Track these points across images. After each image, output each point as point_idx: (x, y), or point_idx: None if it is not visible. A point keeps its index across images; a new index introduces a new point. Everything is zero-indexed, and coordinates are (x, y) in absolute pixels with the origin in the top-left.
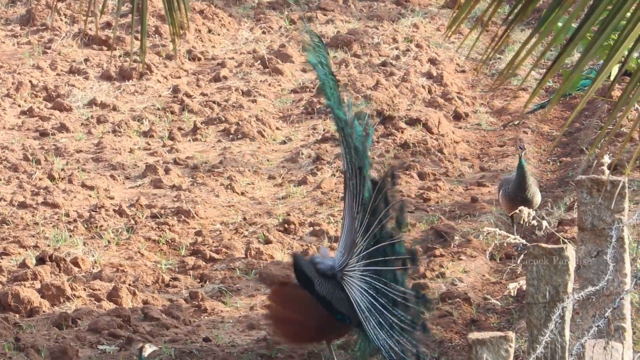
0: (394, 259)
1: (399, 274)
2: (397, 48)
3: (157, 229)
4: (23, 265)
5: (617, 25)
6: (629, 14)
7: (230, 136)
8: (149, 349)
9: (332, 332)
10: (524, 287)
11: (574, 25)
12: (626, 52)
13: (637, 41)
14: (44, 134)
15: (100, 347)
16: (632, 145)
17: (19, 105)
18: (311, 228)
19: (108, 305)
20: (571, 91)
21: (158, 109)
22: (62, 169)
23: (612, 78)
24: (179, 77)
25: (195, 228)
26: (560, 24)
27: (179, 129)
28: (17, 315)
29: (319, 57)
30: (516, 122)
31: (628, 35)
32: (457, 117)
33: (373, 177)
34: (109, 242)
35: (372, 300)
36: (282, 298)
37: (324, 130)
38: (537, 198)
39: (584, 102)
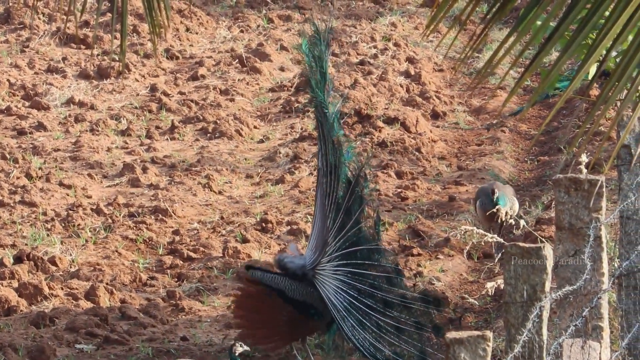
0: (380, 264)
1: (394, 277)
2: (375, 47)
3: (134, 228)
4: (0, 264)
5: (596, 24)
6: (607, 13)
7: (208, 135)
8: (240, 349)
9: (303, 329)
10: (502, 286)
11: (552, 24)
12: (604, 51)
13: (615, 40)
14: (21, 132)
15: (77, 346)
16: (610, 144)
17: None
18: (289, 227)
19: (85, 305)
20: (549, 91)
21: (136, 108)
22: (40, 168)
23: (590, 77)
24: (157, 76)
25: (172, 227)
26: (538, 23)
27: (157, 127)
28: None
29: (314, 51)
30: (494, 122)
31: (606, 34)
32: (435, 116)
33: (348, 176)
34: (86, 241)
35: (352, 300)
36: (247, 303)
37: (301, 129)
38: (515, 207)
39: (562, 101)
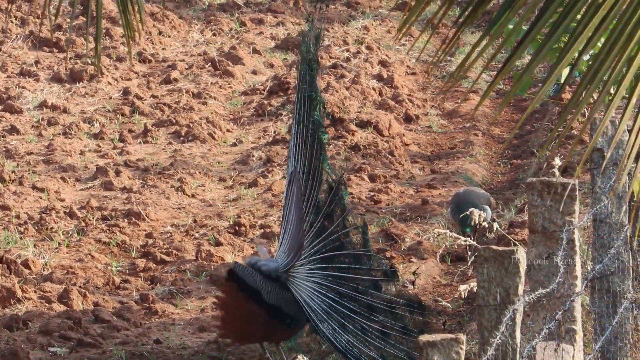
0: (368, 268)
1: (379, 282)
2: (347, 50)
3: (107, 231)
4: None
5: (567, 28)
6: (579, 16)
7: (181, 138)
8: None
9: (278, 334)
10: (475, 289)
11: (525, 27)
12: (576, 55)
13: (587, 44)
14: None
15: (51, 349)
16: (582, 147)
17: None
18: (262, 230)
19: (59, 308)
20: (521, 94)
21: (109, 111)
22: (13, 171)
23: (562, 81)
24: (130, 80)
25: (145, 230)
26: (510, 26)
27: (130, 131)
28: None
29: (308, 46)
30: (467, 125)
31: (578, 37)
32: (408, 119)
33: (329, 181)
34: (59, 244)
35: (332, 303)
36: (227, 301)
37: (274, 132)
38: (489, 214)
39: (534, 104)
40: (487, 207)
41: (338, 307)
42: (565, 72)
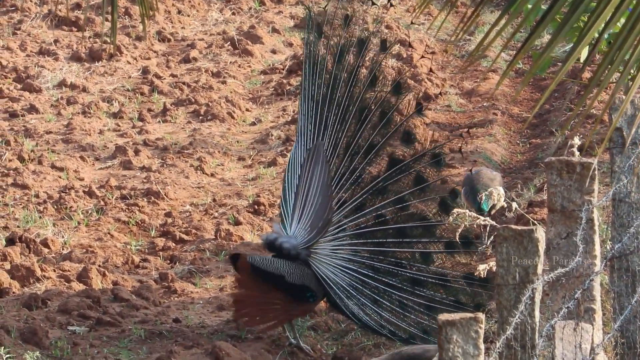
0: (420, 241)
1: (436, 255)
2: (367, 29)
3: (126, 210)
4: None
5: (588, 7)
6: None
7: (200, 117)
8: None
9: (296, 311)
10: (494, 269)
11: (544, 7)
12: (597, 34)
13: (607, 23)
14: (13, 115)
15: (70, 327)
16: (602, 127)
17: None
18: None
19: (78, 287)
20: (541, 73)
21: (128, 90)
22: (32, 150)
23: (582, 60)
24: (149, 59)
25: (165, 209)
26: (529, 5)
27: (149, 110)
28: None
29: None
30: (486, 104)
31: (599, 16)
32: (427, 98)
33: (394, 154)
34: (78, 223)
35: (365, 278)
36: (247, 279)
37: (293, 111)
38: (502, 200)
39: (554, 83)
40: (501, 188)
41: (372, 283)
42: (585, 52)
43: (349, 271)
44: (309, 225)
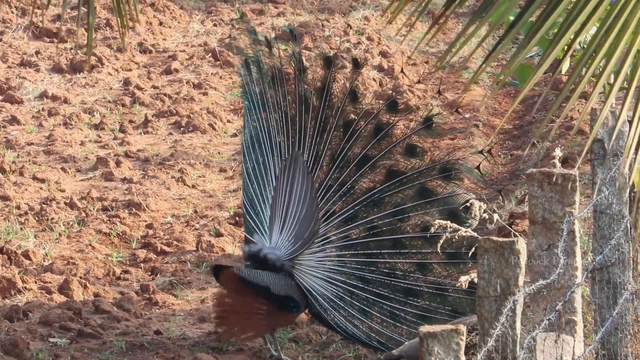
0: (419, 251)
1: (429, 265)
2: (348, 41)
3: (108, 221)
4: None
5: (560, 14)
6: (570, 5)
7: (182, 129)
8: None
9: (279, 321)
10: (475, 280)
11: (532, 19)
12: (569, 42)
13: (578, 32)
14: None
15: (51, 339)
16: (582, 138)
17: None
18: None
19: (59, 298)
20: (521, 84)
21: (109, 102)
22: (13, 162)
23: (563, 72)
24: (130, 70)
25: (146, 221)
26: (512, 18)
27: (130, 121)
28: None
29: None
30: (467, 116)
31: (570, 25)
32: (408, 110)
33: (393, 167)
34: (60, 234)
35: (354, 289)
36: (232, 290)
37: None
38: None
39: (525, 91)
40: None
41: (362, 294)
42: (567, 64)
43: (336, 282)
44: (292, 236)
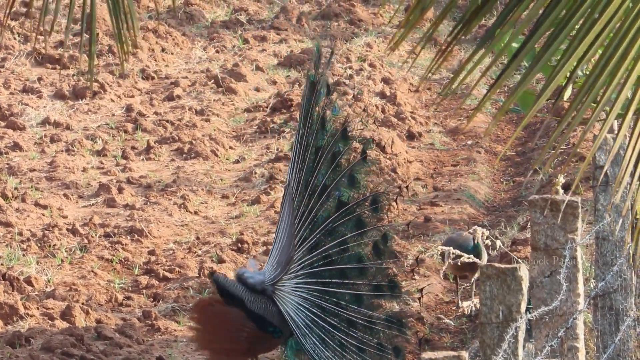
0: (354, 282)
1: (366, 297)
2: (350, 67)
3: (110, 248)
4: None
5: (563, 42)
6: (574, 32)
7: (184, 155)
8: None
9: (261, 346)
10: (478, 307)
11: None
12: (571, 70)
13: (581, 58)
14: None
15: None
16: (588, 165)
17: None
18: (264, 247)
19: (61, 324)
20: (524, 111)
21: (111, 128)
22: (16, 188)
23: (565, 99)
24: (133, 96)
25: (148, 247)
26: (515, 45)
27: (133, 148)
28: None
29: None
30: (469, 142)
31: (572, 53)
32: (411, 136)
33: (342, 197)
34: (62, 261)
35: (315, 317)
36: (208, 317)
37: (277, 149)
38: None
39: (528, 118)
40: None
41: (320, 322)
42: (569, 91)
43: (304, 310)
44: (276, 262)
